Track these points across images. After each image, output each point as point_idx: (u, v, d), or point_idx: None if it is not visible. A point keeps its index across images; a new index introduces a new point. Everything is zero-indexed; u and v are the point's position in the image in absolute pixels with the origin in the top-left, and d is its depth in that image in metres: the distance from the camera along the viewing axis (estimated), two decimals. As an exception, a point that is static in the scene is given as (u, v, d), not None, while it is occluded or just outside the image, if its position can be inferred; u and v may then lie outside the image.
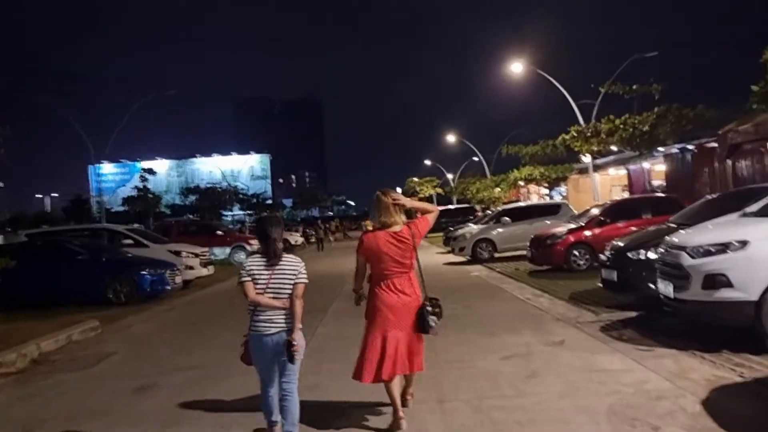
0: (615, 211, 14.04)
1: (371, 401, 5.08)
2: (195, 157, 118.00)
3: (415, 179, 69.56)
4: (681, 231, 7.00)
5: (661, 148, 18.49)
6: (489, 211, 30.22)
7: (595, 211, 14.72)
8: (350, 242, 41.04)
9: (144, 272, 13.69)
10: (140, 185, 29.80)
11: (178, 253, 16.47)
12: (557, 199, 29.15)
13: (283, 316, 4.17)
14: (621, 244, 9.15)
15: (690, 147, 18.14)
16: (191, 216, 42.61)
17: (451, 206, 47.99)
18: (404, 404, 4.73)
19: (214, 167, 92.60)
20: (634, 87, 18.41)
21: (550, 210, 19.43)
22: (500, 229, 18.87)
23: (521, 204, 22.75)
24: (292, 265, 4.26)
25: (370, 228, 4.81)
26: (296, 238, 37.46)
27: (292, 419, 4.19)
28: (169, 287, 14.07)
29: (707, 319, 6.17)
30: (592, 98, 24.50)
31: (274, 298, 4.16)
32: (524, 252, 18.88)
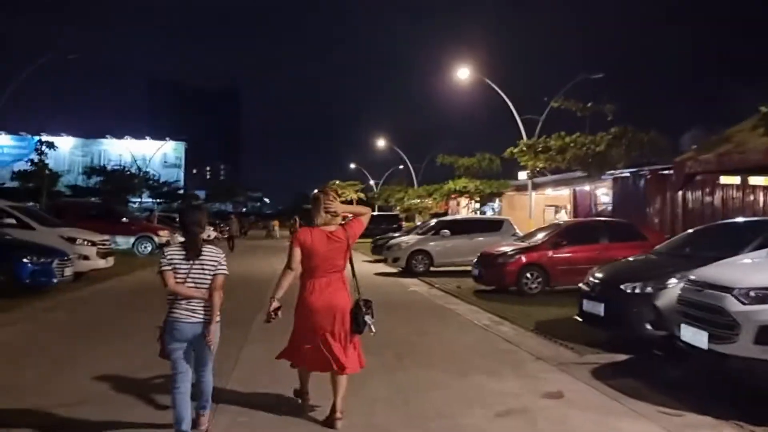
0: (570, 234, 13.02)
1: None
2: (105, 138, 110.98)
3: (338, 182, 67.90)
4: (712, 266, 5.76)
5: (609, 171, 17.83)
6: (418, 223, 29.16)
7: (546, 232, 13.66)
8: (258, 242, 38.90)
9: (24, 260, 11.29)
10: (36, 158, 26.32)
11: (71, 240, 14.01)
12: (489, 214, 28.39)
13: (203, 307, 4.18)
14: (604, 274, 7.93)
15: (643, 172, 17.57)
16: (94, 199, 38.87)
17: (374, 213, 46.81)
18: (332, 425, 4.54)
19: (124, 150, 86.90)
20: (588, 105, 17.72)
21: (492, 226, 18.36)
22: (438, 242, 17.57)
23: (462, 217, 21.62)
24: (213, 256, 4.28)
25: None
26: (209, 233, 34.80)
27: (206, 396, 4.35)
28: (55, 280, 11.71)
29: (759, 380, 4.92)
30: (535, 114, 23.92)
31: (193, 288, 4.18)
32: (461, 268, 17.90)
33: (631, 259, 8.71)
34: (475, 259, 13.71)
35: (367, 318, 4.59)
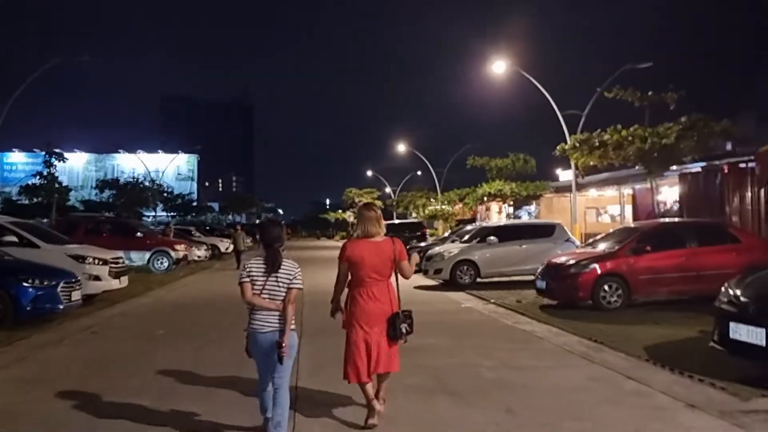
0: (652, 238, 11.27)
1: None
2: (118, 152, 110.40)
3: (354, 190, 66.33)
4: None
5: (674, 167, 16.00)
6: (441, 231, 27.27)
7: (620, 237, 11.91)
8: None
9: (25, 283, 9.71)
10: (44, 171, 24.82)
11: (80, 258, 12.42)
12: (524, 219, 26.55)
13: (277, 318, 4.38)
14: (761, 289, 6.16)
15: (718, 166, 15.72)
16: (108, 214, 37.42)
17: (396, 221, 44.94)
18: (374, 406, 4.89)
19: (137, 164, 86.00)
20: (649, 94, 15.93)
21: (543, 231, 16.58)
22: (485, 250, 15.82)
23: (509, 222, 19.82)
24: (288, 270, 4.46)
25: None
26: (227, 245, 33.26)
27: (281, 412, 4.37)
28: (61, 306, 10.11)
29: None
30: (577, 109, 22.19)
31: (269, 299, 4.40)
32: (509, 279, 16.17)
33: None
34: (540, 270, 11.96)
35: (404, 327, 4.92)
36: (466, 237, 17.43)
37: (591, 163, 16.84)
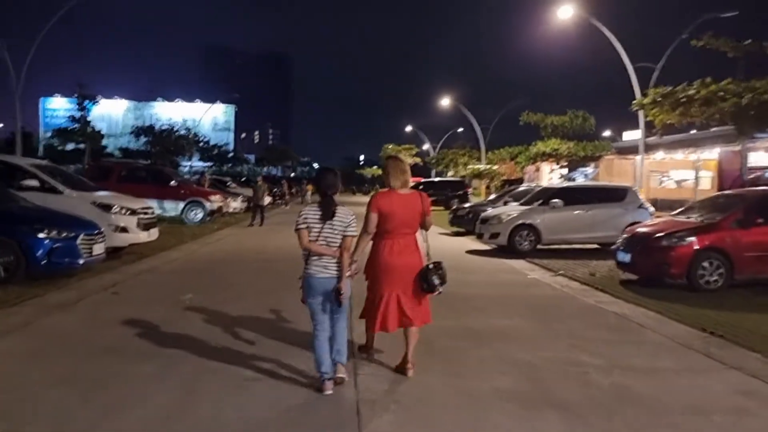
0: (763, 207, 9.57)
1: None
2: (156, 100, 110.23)
3: (393, 146, 64.64)
4: None
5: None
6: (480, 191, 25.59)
7: (718, 205, 10.25)
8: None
9: (40, 234, 8.59)
10: (77, 114, 23.75)
11: (106, 207, 11.30)
12: (580, 181, 24.68)
13: (335, 264, 4.46)
14: None
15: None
16: (144, 161, 36.56)
17: (436, 179, 43.29)
18: (404, 372, 4.88)
19: (175, 113, 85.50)
20: (746, 43, 13.92)
21: (613, 195, 14.86)
22: (548, 215, 14.22)
23: (577, 184, 18.10)
24: (343, 217, 4.51)
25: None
26: (266, 198, 32.17)
27: (341, 341, 4.59)
28: (81, 261, 9.00)
29: None
30: (650, 61, 20.13)
31: (325, 246, 4.45)
32: (576, 246, 14.64)
33: None
34: (622, 241, 10.36)
35: (435, 278, 4.85)
36: (525, 199, 15.82)
37: (668, 122, 14.95)
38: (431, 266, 4.89)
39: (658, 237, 9.59)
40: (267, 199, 24.26)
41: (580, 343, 6.15)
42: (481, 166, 35.51)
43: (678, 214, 11.12)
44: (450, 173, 50.79)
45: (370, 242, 4.97)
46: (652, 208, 14.99)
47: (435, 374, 5.05)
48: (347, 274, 4.46)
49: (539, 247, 14.20)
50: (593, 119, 24.26)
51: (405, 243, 4.88)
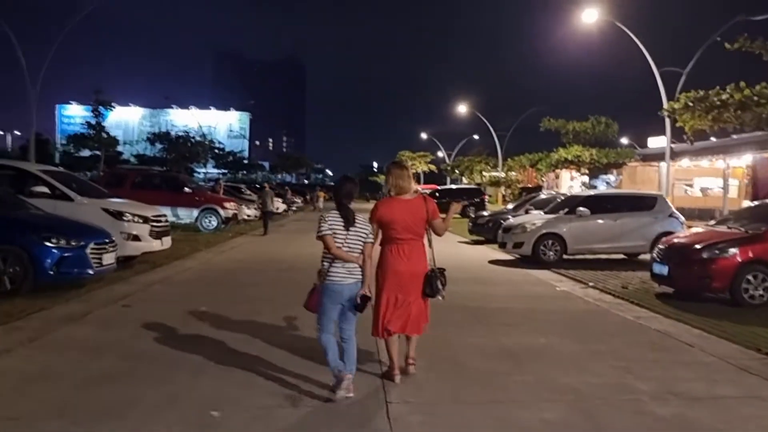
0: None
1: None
2: (171, 108, 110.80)
3: (408, 153, 64.26)
4: None
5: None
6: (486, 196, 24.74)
7: (763, 212, 9.68)
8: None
9: (48, 243, 8.22)
10: (93, 121, 23.57)
11: (118, 215, 10.94)
12: (602, 189, 24.04)
13: (359, 270, 4.53)
14: None
15: None
16: (160, 168, 36.36)
17: (453, 186, 42.75)
18: (406, 371, 4.96)
19: (190, 120, 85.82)
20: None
21: (642, 204, 14.30)
22: (574, 224, 13.68)
23: (603, 192, 17.52)
24: (363, 225, 4.60)
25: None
26: (277, 205, 31.85)
27: (350, 357, 4.54)
28: (91, 271, 8.62)
29: None
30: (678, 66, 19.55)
31: (350, 252, 4.49)
32: (601, 256, 14.09)
33: None
34: (658, 252, 9.80)
35: (438, 283, 4.86)
36: (549, 207, 15.29)
37: (705, 126, 14.35)
38: (436, 271, 4.92)
39: (699, 248, 9.03)
40: (277, 206, 23.42)
41: (626, 365, 5.64)
42: (500, 174, 34.92)
43: (717, 224, 10.55)
44: (465, 180, 50.26)
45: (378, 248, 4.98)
46: (682, 218, 14.39)
47: (473, 403, 4.57)
48: (369, 280, 4.57)
49: (564, 257, 13.67)
50: (616, 125, 23.66)
51: (410, 248, 4.88)
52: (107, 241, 9.18)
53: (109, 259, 9.12)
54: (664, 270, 9.42)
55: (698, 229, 10.88)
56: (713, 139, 20.75)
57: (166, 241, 12.03)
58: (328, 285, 4.46)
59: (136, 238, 11.03)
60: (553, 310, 8.58)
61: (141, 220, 11.19)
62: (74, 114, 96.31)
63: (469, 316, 7.83)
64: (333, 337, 4.51)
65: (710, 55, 19.83)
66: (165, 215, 12.42)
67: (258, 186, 41.79)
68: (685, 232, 10.61)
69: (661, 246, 9.88)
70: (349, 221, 4.49)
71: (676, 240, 9.82)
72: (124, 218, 10.92)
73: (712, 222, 10.90)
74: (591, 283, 10.85)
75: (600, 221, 13.74)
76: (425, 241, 5.04)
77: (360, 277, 4.50)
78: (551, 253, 13.57)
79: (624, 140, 31.16)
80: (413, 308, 4.87)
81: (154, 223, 11.52)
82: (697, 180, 24.50)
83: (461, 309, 8.04)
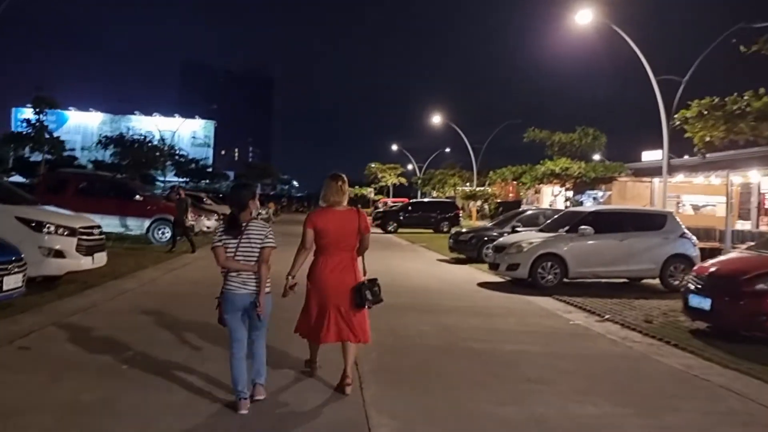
0: None
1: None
2: (134, 114, 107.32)
3: (377, 164, 62.64)
4: None
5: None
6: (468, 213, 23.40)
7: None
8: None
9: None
10: (33, 119, 21.18)
11: (36, 226, 8.88)
12: (588, 205, 22.63)
13: (254, 279, 4.39)
14: None
15: None
16: (120, 175, 33.56)
17: (425, 199, 41.12)
18: (343, 391, 4.80)
19: (153, 126, 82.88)
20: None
21: (650, 222, 12.80)
22: (576, 243, 12.08)
23: (608, 208, 15.97)
24: (259, 230, 4.45)
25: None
26: (259, 211, 29.62)
27: (260, 361, 4.54)
28: (-16, 299, 6.58)
29: None
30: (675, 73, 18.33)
31: (243, 261, 4.37)
32: (602, 280, 12.55)
33: None
34: (697, 281, 8.17)
35: (368, 293, 4.81)
36: (546, 224, 13.68)
37: (718, 136, 12.98)
38: (365, 281, 4.90)
39: (747, 278, 7.43)
40: (191, 219, 18.78)
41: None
42: (476, 188, 33.42)
43: (752, 248, 9.02)
44: (434, 194, 48.72)
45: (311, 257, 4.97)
46: (695, 239, 12.94)
47: None
48: (264, 289, 4.39)
49: (565, 280, 12.05)
50: (604, 137, 22.39)
51: (339, 259, 4.88)
52: (13, 259, 7.14)
53: (13, 282, 7.08)
54: (705, 304, 7.77)
55: (736, 254, 9.35)
56: (707, 154, 19.54)
57: (100, 258, 9.91)
58: (225, 294, 4.41)
59: (59, 254, 8.95)
60: (580, 354, 6.87)
61: (66, 232, 9.11)
62: (32, 117, 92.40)
63: (480, 365, 6.06)
64: (241, 360, 4.36)
65: (708, 65, 18.72)
66: (99, 226, 10.30)
67: (221, 196, 39.36)
68: (725, 258, 9.02)
69: (697, 275, 8.26)
70: (235, 229, 4.37)
71: (716, 268, 8.18)
72: (45, 230, 8.85)
73: (745, 246, 9.37)
74: (607, 315, 9.21)
75: (604, 241, 12.18)
76: (355, 253, 4.99)
77: (254, 288, 4.37)
78: (550, 276, 11.94)
79: (597, 156, 29.78)
80: (346, 316, 4.82)
81: (84, 236, 9.43)
82: (686, 197, 23.32)
83: (467, 354, 6.32)
